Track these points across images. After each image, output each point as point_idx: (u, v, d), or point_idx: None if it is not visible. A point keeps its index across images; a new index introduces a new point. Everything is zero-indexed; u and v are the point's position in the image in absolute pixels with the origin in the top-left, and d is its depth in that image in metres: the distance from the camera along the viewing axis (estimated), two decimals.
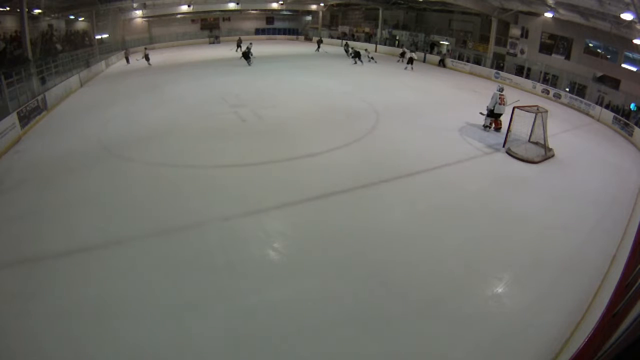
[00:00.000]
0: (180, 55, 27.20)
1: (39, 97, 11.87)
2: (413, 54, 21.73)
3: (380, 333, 4.08)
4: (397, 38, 29.58)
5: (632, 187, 7.86)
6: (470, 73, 21.32)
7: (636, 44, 13.28)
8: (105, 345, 3.84)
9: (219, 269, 5.06)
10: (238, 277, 4.91)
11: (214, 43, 32.18)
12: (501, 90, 10.77)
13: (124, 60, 25.06)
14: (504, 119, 10.37)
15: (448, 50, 24.66)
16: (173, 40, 33.38)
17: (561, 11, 16.15)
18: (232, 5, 32.10)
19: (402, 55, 23.42)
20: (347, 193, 7.13)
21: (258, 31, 37.94)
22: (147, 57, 23.23)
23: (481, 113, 11.29)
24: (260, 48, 25.05)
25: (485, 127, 11.02)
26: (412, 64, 21.19)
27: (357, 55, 22.81)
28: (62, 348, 3.81)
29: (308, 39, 36.91)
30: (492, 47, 21.69)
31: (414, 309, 4.43)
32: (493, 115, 10.81)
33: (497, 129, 10.85)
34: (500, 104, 10.59)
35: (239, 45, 25.90)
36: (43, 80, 13.53)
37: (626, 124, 11.80)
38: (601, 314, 3.45)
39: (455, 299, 4.60)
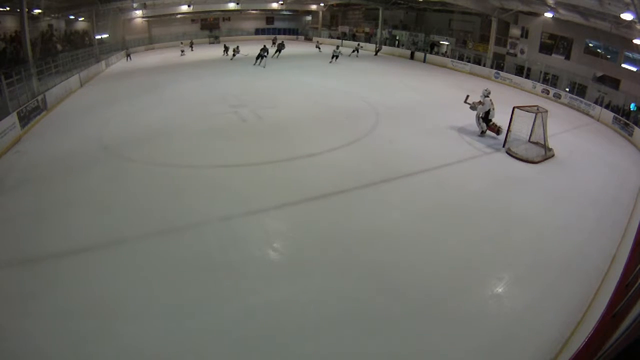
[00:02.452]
0: (180, 55, 27.19)
1: (39, 97, 11.86)
2: (338, 50, 24.80)
3: (380, 333, 4.08)
4: (397, 38, 29.60)
5: (632, 187, 7.86)
6: (470, 73, 21.33)
7: (636, 44, 13.29)
8: (106, 345, 3.84)
9: (219, 268, 5.06)
10: (238, 277, 4.91)
11: (213, 43, 31.18)
12: (489, 93, 10.38)
13: (124, 59, 25.96)
14: (500, 119, 10.17)
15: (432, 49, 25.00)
16: (173, 40, 33.34)
17: (561, 11, 16.14)
18: (232, 5, 32.13)
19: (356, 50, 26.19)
20: (347, 193, 7.13)
21: (258, 31, 37.94)
22: (182, 51, 27.18)
23: (466, 102, 10.88)
24: (258, 48, 24.88)
25: (483, 132, 10.48)
26: (335, 59, 23.58)
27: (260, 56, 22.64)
28: (62, 348, 3.80)
29: (308, 39, 36.92)
30: (492, 47, 21.69)
31: (414, 309, 4.43)
32: (487, 121, 10.34)
33: (498, 132, 10.29)
34: (492, 108, 10.20)
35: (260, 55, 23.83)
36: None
37: (626, 124, 11.81)
38: (601, 314, 3.45)
39: (455, 299, 4.60)
